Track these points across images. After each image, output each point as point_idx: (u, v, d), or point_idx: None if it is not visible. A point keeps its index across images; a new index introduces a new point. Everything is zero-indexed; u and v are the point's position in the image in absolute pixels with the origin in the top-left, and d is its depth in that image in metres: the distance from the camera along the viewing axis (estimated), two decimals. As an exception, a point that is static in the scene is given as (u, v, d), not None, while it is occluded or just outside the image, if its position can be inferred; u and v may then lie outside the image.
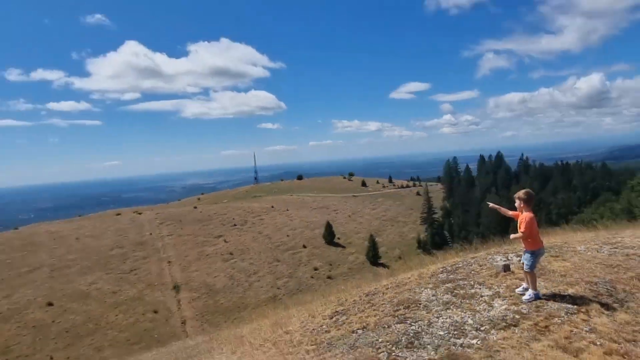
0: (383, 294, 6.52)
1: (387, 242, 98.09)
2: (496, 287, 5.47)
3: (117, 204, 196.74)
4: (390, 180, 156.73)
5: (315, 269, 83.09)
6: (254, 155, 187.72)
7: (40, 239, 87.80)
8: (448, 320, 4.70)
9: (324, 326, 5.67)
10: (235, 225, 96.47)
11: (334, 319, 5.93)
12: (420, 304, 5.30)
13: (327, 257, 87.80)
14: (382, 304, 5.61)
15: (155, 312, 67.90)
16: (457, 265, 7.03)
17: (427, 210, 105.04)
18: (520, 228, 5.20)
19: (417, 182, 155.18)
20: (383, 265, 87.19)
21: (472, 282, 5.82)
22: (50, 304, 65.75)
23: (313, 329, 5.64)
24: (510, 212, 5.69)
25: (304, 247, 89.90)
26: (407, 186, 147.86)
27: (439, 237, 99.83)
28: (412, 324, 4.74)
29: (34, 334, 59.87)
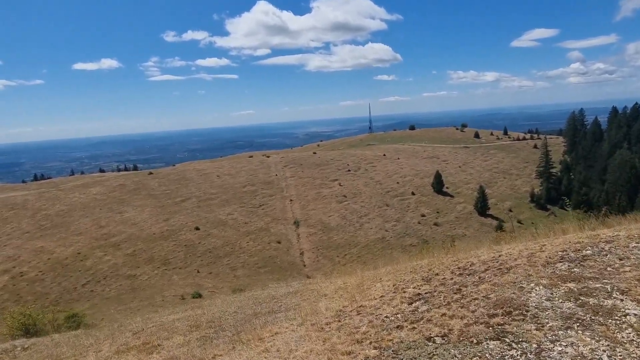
0: (480, 279, 4.95)
1: (498, 194, 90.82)
2: None
3: (251, 147, 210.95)
4: (505, 132, 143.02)
5: (423, 216, 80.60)
6: (369, 106, 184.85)
7: (190, 175, 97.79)
8: (570, 349, 2.89)
9: (399, 315, 4.36)
10: (349, 170, 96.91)
11: (413, 305, 4.58)
12: (527, 310, 3.54)
13: (435, 205, 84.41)
14: (475, 300, 4.08)
15: (279, 242, 72.34)
16: (583, 252, 5.02)
17: (545, 163, 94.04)
18: None
19: (535, 135, 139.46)
20: (492, 216, 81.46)
21: (608, 288, 3.74)
22: (197, 229, 73.59)
23: (385, 318, 4.37)
24: None
25: (413, 194, 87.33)
26: (524, 139, 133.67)
27: (555, 191, 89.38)
28: (513, 345, 3.07)
29: (185, 251, 67.88)
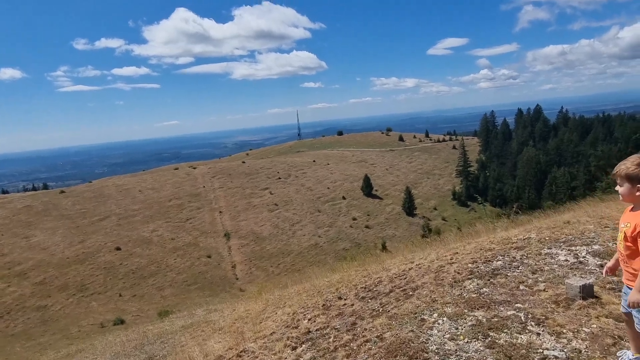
0: (380, 307, 4.11)
1: (423, 193, 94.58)
2: (572, 338, 2.68)
3: (177, 159, 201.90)
4: (426, 135, 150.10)
5: (354, 219, 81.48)
6: (297, 113, 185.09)
7: (109, 191, 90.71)
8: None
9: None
10: (279, 178, 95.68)
11: (297, 351, 3.59)
12: (427, 358, 2.81)
13: (365, 208, 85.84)
14: (366, 343, 3.16)
15: (209, 256, 69.11)
16: (494, 264, 4.37)
17: (463, 163, 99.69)
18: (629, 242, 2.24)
19: (453, 137, 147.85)
20: (419, 216, 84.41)
21: (522, 316, 3.03)
22: (118, 249, 68.06)
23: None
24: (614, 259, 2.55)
25: (344, 198, 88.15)
26: (444, 140, 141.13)
27: (473, 188, 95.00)
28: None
29: (104, 274, 62.35)
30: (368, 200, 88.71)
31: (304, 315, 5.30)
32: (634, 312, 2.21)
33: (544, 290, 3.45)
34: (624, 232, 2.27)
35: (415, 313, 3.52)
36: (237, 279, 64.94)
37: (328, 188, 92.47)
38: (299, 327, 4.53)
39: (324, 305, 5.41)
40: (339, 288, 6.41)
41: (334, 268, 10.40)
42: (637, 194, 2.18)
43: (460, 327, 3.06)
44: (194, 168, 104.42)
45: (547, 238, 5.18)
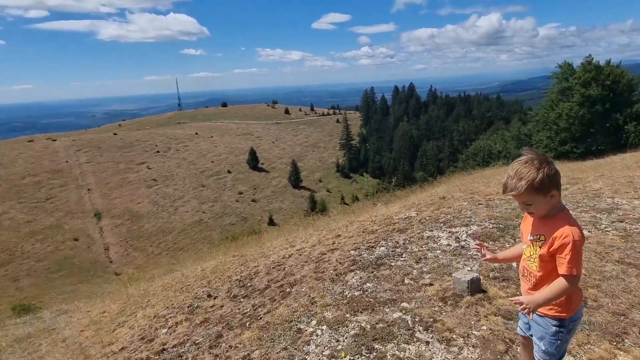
0: (252, 310, 3.49)
1: (309, 166, 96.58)
2: (462, 345, 2.37)
3: (33, 130, 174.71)
4: (312, 109, 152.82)
5: (240, 193, 79.94)
6: (177, 82, 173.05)
7: (-63, 167, 74.91)
8: None
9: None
10: (158, 151, 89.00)
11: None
12: None
13: (252, 182, 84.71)
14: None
15: (76, 239, 61.97)
16: (377, 251, 4.04)
17: (346, 136, 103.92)
18: (531, 262, 1.83)
19: (337, 111, 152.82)
20: (305, 188, 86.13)
21: (409, 320, 2.66)
22: (-47, 237, 57.19)
23: None
24: (512, 251, 2.10)
25: (229, 172, 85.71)
26: (328, 114, 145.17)
27: (356, 161, 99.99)
28: None
29: (-64, 268, 52.19)
30: (254, 174, 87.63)
31: (166, 320, 4.46)
32: (535, 340, 1.86)
33: (430, 284, 3.16)
34: (539, 246, 1.75)
35: (291, 321, 2.96)
36: (112, 262, 59.51)
37: (212, 162, 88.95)
38: (155, 341, 3.70)
39: (190, 306, 4.62)
40: (212, 281, 5.65)
41: (212, 253, 9.54)
42: (552, 201, 1.69)
43: (341, 339, 2.58)
44: (54, 140, 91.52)
45: (427, 218, 5.07)
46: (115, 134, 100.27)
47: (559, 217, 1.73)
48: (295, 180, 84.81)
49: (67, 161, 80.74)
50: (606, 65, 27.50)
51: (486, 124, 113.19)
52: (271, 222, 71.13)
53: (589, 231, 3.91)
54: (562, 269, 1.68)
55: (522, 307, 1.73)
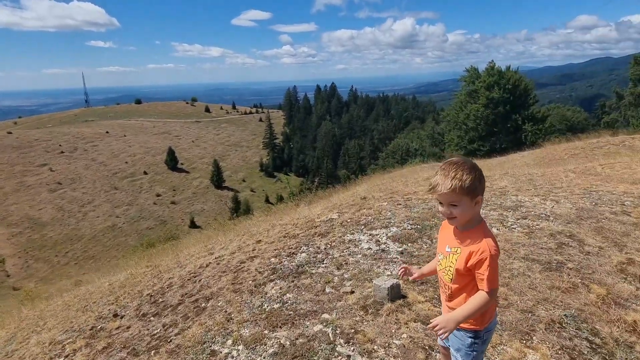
0: (163, 330, 3.18)
1: (232, 166, 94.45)
2: (383, 356, 2.30)
3: None
4: (233, 107, 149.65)
5: (158, 195, 75.88)
6: (83, 76, 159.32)
7: None
8: None
9: None
10: (62, 152, 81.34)
11: None
12: None
13: (171, 183, 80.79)
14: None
15: (-38, 253, 54.64)
16: (298, 258, 3.87)
17: (269, 135, 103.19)
18: (447, 281, 1.81)
19: (259, 109, 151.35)
20: (228, 188, 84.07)
21: (329, 331, 2.54)
22: None
23: None
24: (427, 269, 2.06)
25: (145, 173, 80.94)
26: (250, 112, 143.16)
27: (279, 160, 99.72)
28: None
29: None
30: (173, 175, 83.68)
31: (63, 347, 3.93)
32: (452, 351, 1.82)
33: (352, 291, 3.09)
34: (456, 259, 1.72)
35: (204, 342, 2.71)
36: (8, 275, 53.29)
37: (126, 162, 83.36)
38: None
39: (92, 328, 4.13)
40: (120, 297, 5.14)
41: (123, 264, 8.78)
42: (476, 207, 1.66)
43: (259, 359, 2.39)
44: None
45: (348, 220, 5.05)
46: (9, 132, 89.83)
47: (477, 229, 1.70)
48: (217, 180, 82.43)
49: (-51, 164, 70.85)
50: (507, 71, 30.20)
51: (403, 124, 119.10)
52: (193, 225, 68.43)
53: (497, 229, 4.13)
54: (482, 285, 1.65)
55: (439, 332, 1.67)
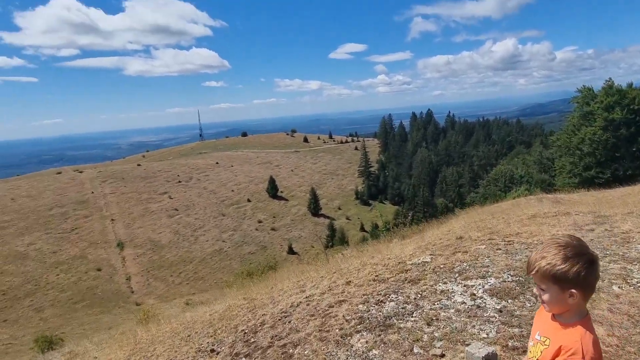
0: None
1: (328, 194, 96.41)
2: None
3: (61, 162, 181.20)
4: (330, 136, 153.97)
5: (260, 222, 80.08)
6: (198, 113, 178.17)
7: (-29, 200, 77.75)
8: None
9: None
10: (180, 181, 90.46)
11: None
12: None
13: (271, 210, 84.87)
14: None
15: (99, 269, 62.77)
16: (386, 307, 3.73)
17: (364, 163, 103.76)
18: None
19: (355, 138, 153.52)
20: (324, 215, 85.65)
21: None
22: (-18, 268, 58.59)
23: None
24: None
25: (249, 201, 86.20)
26: (346, 141, 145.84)
27: (374, 187, 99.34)
28: None
29: (-35, 299, 53.29)
30: (274, 202, 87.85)
31: (166, 379, 4.23)
32: None
33: (442, 355, 2.85)
34: (541, 351, 1.51)
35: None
36: (133, 292, 59.80)
37: (232, 191, 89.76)
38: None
39: (192, 361, 4.39)
40: (217, 330, 5.42)
41: (224, 292, 9.31)
42: (569, 300, 1.41)
43: None
44: (81, 172, 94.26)
45: (441, 266, 4.76)
46: (138, 164, 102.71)
47: (575, 324, 1.43)
48: (314, 208, 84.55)
49: (92, 192, 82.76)
50: (629, 89, 26.84)
51: (507, 149, 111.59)
52: (291, 251, 70.66)
53: (619, 287, 3.54)
54: None
55: None
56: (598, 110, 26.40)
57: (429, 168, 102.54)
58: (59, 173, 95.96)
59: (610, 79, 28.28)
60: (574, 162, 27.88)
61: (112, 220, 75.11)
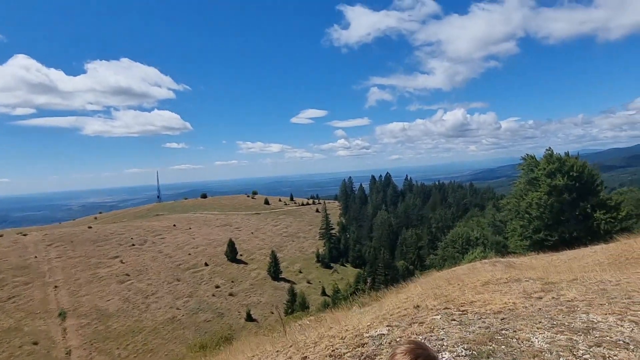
0: None
1: (288, 256, 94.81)
2: None
3: (4, 224, 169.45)
4: (291, 199, 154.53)
5: (217, 287, 76.79)
6: (157, 174, 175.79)
7: None
8: None
9: None
10: (133, 244, 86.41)
11: None
12: None
13: (230, 274, 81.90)
14: None
15: (35, 343, 56.94)
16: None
17: (325, 225, 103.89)
18: None
19: (316, 200, 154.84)
20: (285, 279, 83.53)
21: None
22: None
23: None
24: None
25: (206, 265, 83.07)
26: (307, 204, 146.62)
27: (336, 250, 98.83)
28: None
29: None
30: (232, 266, 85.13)
31: None
32: None
33: None
34: None
35: None
36: (72, 368, 54.32)
37: (189, 254, 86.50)
38: None
39: None
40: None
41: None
42: None
43: None
44: (25, 235, 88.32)
45: (397, 339, 4.70)
46: (89, 227, 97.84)
47: None
48: (274, 271, 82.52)
49: (35, 257, 77.21)
50: (567, 157, 29.08)
51: (462, 211, 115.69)
52: (249, 318, 67.54)
53: (566, 359, 3.60)
54: None
55: None
56: (542, 177, 28.28)
57: (389, 230, 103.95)
58: (1, 236, 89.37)
59: (550, 147, 30.70)
60: (524, 225, 29.24)
61: (56, 287, 69.69)
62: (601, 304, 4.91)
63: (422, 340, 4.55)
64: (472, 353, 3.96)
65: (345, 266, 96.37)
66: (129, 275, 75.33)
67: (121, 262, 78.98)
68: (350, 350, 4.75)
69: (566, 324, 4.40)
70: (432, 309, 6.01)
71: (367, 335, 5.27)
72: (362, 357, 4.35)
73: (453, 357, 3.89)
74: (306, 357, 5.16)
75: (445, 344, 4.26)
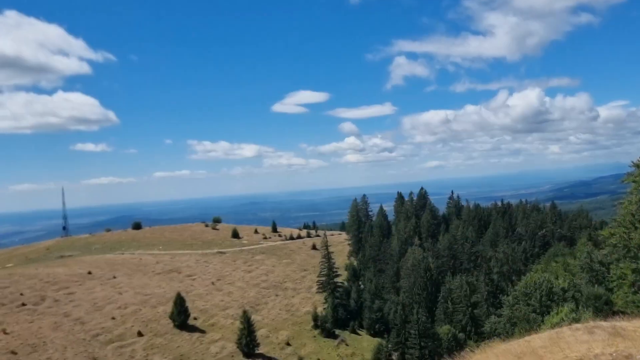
0: None
1: (270, 320, 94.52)
2: None
3: None
4: (274, 229, 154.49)
5: (157, 372, 76.22)
6: (63, 192, 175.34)
7: None
8: None
9: None
10: (24, 304, 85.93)
11: None
12: None
13: (177, 350, 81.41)
14: None
15: None
16: None
17: (327, 271, 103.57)
18: None
19: (311, 231, 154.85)
20: (263, 356, 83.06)
21: None
22: None
23: None
24: None
25: (140, 334, 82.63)
26: (299, 237, 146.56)
27: (343, 308, 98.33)
28: None
29: None
30: (182, 336, 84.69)
31: None
32: None
33: None
34: None
35: None
36: None
37: (113, 318, 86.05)
38: None
39: None
40: None
41: None
42: None
43: None
44: None
45: None
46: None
47: None
48: (247, 344, 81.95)
49: None
50: None
51: (540, 248, 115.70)
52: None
53: None
54: None
55: None
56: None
57: (425, 277, 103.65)
58: None
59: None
60: (639, 269, 29.09)
61: None
62: None
63: None
64: None
65: (358, 334, 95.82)
66: (15, 354, 74.72)
67: (4, 332, 78.48)
68: None
69: None
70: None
71: None
72: None
73: None
74: None
75: None
